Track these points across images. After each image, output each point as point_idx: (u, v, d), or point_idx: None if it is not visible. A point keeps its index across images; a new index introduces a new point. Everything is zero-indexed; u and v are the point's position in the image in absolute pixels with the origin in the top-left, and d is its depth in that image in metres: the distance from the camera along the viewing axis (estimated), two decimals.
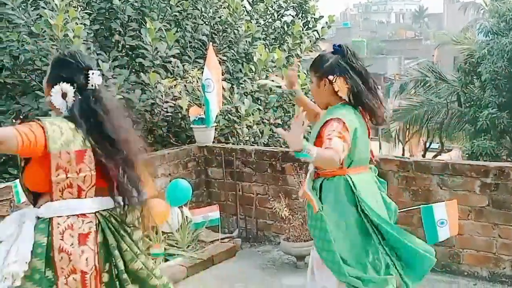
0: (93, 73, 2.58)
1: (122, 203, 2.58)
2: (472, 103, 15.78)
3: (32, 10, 6.40)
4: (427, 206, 3.98)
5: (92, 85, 2.58)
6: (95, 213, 2.54)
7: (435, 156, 17.88)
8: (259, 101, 7.55)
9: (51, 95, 2.56)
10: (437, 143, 19.45)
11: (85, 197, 2.52)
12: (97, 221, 2.53)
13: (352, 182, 3.12)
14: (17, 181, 4.29)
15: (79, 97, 2.55)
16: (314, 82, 3.24)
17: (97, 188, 2.55)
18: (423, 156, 19.00)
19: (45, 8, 6.09)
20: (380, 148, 19.72)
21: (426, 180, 5.02)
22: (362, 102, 3.19)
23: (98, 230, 2.52)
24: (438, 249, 5.00)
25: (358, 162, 3.19)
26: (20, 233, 2.44)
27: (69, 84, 2.54)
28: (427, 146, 20.15)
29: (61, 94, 2.53)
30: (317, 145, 3.00)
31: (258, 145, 7.13)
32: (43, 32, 6.08)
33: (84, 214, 2.50)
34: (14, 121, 6.56)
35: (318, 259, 3.20)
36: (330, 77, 3.16)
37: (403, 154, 19.84)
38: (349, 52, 3.17)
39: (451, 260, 5.02)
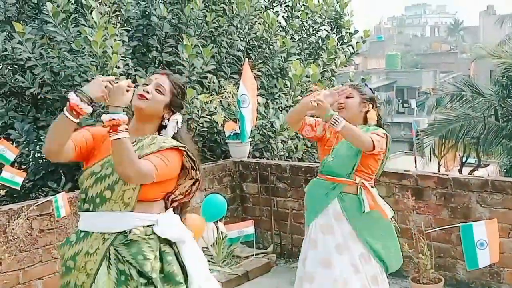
0: None
1: None
2: (510, 117, 15.49)
3: (72, 27, 6.54)
4: (466, 224, 3.91)
5: None
6: None
7: (471, 171, 17.57)
8: None
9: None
10: (474, 158, 19.10)
11: None
12: None
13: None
14: (58, 195, 4.38)
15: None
16: (356, 99, 3.65)
17: None
18: (460, 171, 18.70)
19: (84, 25, 6.22)
20: (415, 162, 19.47)
21: (465, 197, 4.94)
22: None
23: None
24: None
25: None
26: None
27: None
28: (463, 161, 19.81)
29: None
30: (364, 159, 3.58)
31: (292, 160, 7.13)
32: (82, 49, 6.20)
33: None
34: None
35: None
36: (370, 105, 3.66)
37: (438, 169, 19.53)
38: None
39: (491, 279, 4.92)
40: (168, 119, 2.68)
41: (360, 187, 3.56)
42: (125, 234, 2.52)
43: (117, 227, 2.53)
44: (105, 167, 2.57)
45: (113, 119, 2.39)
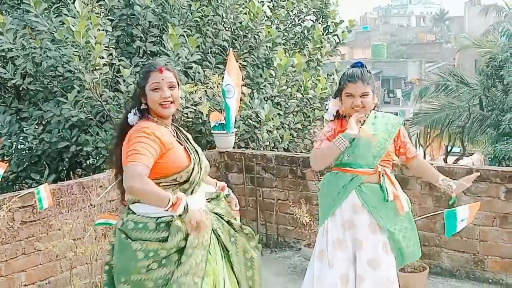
0: None
1: None
2: (495, 106, 15.61)
3: (54, 17, 6.45)
4: (450, 210, 3.92)
5: None
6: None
7: (457, 160, 17.69)
8: (279, 106, 7.53)
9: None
10: (459, 146, 19.24)
11: None
12: None
13: None
14: (40, 187, 4.33)
15: None
16: (371, 94, 3.36)
17: None
18: (445, 160, 18.82)
19: (67, 15, 6.14)
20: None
21: None
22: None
23: None
24: (462, 255, 4.97)
25: None
26: None
27: None
28: (448, 150, 19.95)
29: None
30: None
31: (278, 150, 7.12)
32: (65, 39, 6.13)
33: None
34: (36, 127, 6.63)
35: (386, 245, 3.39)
36: (375, 91, 3.42)
37: (424, 158, 19.63)
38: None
39: (475, 267, 4.95)
40: None
41: (383, 176, 3.39)
42: (208, 200, 3.08)
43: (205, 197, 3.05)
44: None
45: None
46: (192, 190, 2.90)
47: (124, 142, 2.82)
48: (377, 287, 3.31)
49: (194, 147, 3.01)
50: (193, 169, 2.87)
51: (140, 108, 2.91)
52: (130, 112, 2.92)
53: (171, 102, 2.89)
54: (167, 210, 2.63)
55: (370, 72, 3.41)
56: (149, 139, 2.73)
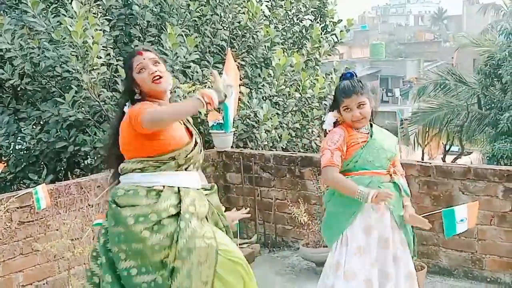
0: None
1: None
2: (493, 105, 15.60)
3: (52, 17, 6.44)
4: (448, 209, 3.92)
5: None
6: None
7: (455, 159, 17.68)
8: (277, 105, 7.53)
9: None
10: (457, 145, 19.24)
11: None
12: None
13: None
14: (38, 187, 4.32)
15: None
16: (368, 103, 3.41)
17: None
18: (443, 159, 18.83)
19: (65, 15, 6.13)
20: (400, 151, 19.59)
21: (447, 185, 4.96)
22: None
23: None
24: (460, 254, 4.98)
25: None
26: None
27: None
28: (447, 149, 19.95)
29: None
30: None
31: (276, 150, 7.12)
32: (63, 39, 6.12)
33: None
34: (34, 127, 6.62)
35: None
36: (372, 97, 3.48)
37: (422, 157, 19.63)
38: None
39: (473, 266, 4.95)
40: None
41: (393, 174, 3.46)
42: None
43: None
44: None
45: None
46: (187, 167, 2.91)
47: (124, 127, 2.87)
48: (402, 282, 3.38)
49: (195, 130, 3.08)
50: (194, 147, 2.93)
51: (134, 99, 2.94)
52: (125, 105, 2.95)
53: (161, 77, 2.92)
54: (206, 106, 2.66)
55: (361, 81, 3.44)
56: (152, 106, 2.81)
